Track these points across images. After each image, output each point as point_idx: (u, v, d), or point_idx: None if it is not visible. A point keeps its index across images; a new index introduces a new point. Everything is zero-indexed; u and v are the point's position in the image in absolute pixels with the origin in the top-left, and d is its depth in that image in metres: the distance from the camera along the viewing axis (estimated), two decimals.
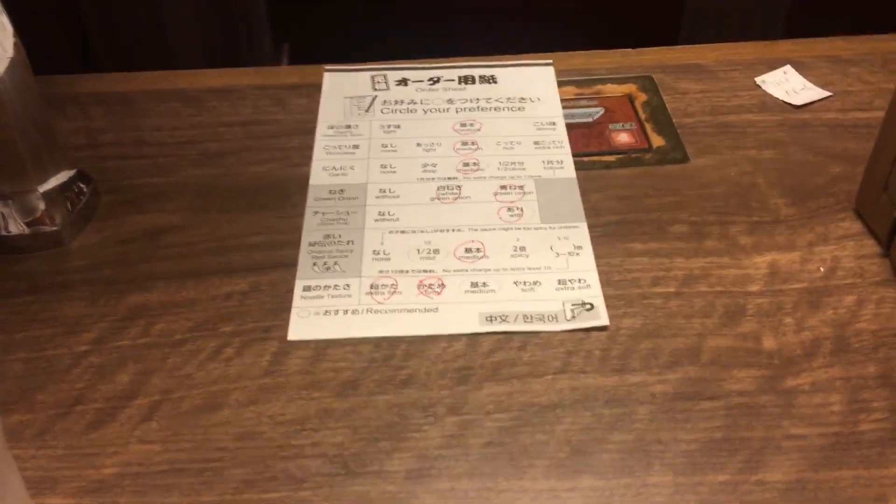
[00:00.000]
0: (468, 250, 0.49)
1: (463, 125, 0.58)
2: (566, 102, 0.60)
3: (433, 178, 0.54)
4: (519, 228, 0.50)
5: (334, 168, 0.55)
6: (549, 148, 0.56)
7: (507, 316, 0.45)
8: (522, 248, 0.49)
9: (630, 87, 0.61)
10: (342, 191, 0.53)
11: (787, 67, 0.61)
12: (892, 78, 0.60)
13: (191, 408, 0.41)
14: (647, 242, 0.49)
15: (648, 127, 0.58)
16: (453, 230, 0.50)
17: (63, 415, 0.41)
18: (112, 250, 0.49)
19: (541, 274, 0.47)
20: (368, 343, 0.44)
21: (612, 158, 0.55)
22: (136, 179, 0.54)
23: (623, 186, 0.53)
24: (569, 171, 0.54)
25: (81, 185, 0.51)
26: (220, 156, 0.56)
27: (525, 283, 0.47)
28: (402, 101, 0.60)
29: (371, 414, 0.41)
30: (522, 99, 0.60)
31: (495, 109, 0.59)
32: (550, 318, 0.45)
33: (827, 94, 0.60)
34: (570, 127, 0.58)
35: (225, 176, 0.55)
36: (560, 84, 0.61)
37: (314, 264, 0.48)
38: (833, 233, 0.49)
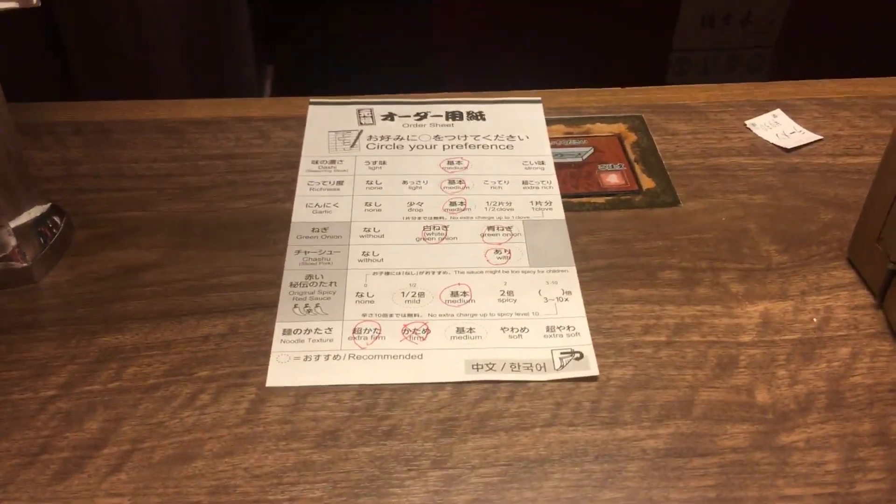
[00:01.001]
0: (454, 294, 0.47)
1: (450, 163, 0.57)
2: (555, 141, 0.59)
3: (419, 218, 0.52)
4: (506, 272, 0.49)
5: (317, 205, 0.53)
6: (537, 188, 0.55)
7: (493, 364, 0.44)
8: (510, 293, 0.47)
9: (620, 127, 0.60)
10: (325, 229, 0.51)
11: (778, 111, 0.61)
12: (883, 123, 0.60)
13: (163, 458, 0.39)
14: (637, 289, 0.48)
15: (638, 168, 0.57)
16: (439, 272, 0.49)
17: (27, 464, 0.39)
18: (85, 288, 0.48)
19: (529, 320, 0.46)
20: (350, 391, 0.43)
21: (601, 200, 0.54)
22: (113, 213, 0.53)
23: (613, 229, 0.52)
24: (557, 212, 0.53)
25: (55, 219, 0.50)
26: (200, 190, 0.55)
27: (513, 329, 0.45)
28: (388, 137, 0.59)
29: (352, 467, 0.39)
30: (511, 137, 0.59)
31: (483, 147, 0.58)
32: (538, 368, 0.43)
33: (817, 137, 0.59)
34: (558, 166, 0.57)
35: (205, 211, 0.53)
36: (549, 122, 0.61)
37: (295, 306, 0.46)
38: (826, 282, 0.48)
